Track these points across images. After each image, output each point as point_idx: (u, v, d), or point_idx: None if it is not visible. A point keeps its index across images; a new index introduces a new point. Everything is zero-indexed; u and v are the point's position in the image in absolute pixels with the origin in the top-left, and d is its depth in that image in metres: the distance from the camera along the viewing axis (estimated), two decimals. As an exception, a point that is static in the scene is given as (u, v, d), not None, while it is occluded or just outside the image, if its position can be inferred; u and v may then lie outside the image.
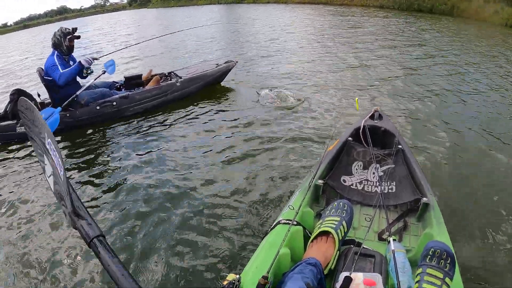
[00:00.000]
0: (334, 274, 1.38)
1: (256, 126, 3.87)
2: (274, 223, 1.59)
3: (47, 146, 0.87)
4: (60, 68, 3.70)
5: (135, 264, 2.03)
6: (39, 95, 4.10)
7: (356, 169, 2.09)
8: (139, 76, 4.70)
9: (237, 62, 5.39)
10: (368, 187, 2.02)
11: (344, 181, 2.05)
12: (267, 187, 2.68)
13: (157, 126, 4.10)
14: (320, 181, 1.92)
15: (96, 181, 3.00)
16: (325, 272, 1.33)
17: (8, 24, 53.16)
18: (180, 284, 1.90)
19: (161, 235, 2.26)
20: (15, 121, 3.82)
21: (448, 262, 1.21)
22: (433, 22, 12.10)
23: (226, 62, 5.29)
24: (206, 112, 4.46)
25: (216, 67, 5.13)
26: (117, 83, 4.70)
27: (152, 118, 4.31)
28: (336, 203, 1.55)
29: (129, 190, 2.79)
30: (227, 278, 1.19)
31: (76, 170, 3.22)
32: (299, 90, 5.07)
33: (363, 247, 1.43)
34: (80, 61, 3.79)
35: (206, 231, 2.27)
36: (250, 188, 2.71)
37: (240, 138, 3.60)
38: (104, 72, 4.11)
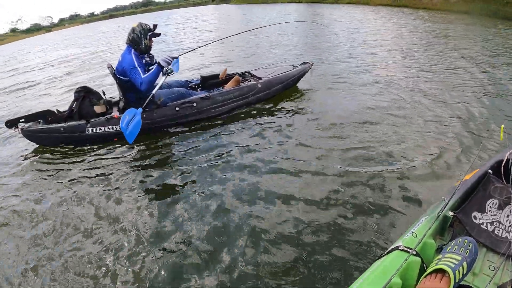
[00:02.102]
0: None
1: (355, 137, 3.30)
2: (391, 247, 1.49)
3: None
4: (141, 72, 3.30)
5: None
6: (104, 93, 3.72)
7: (490, 208, 1.88)
8: (217, 76, 4.27)
9: (312, 64, 4.85)
10: (499, 230, 1.81)
11: (475, 217, 1.87)
12: (386, 207, 2.40)
13: (241, 129, 3.62)
14: (451, 213, 1.80)
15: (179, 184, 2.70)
16: None
17: (95, 13, 55.98)
18: None
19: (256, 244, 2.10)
20: (84, 121, 3.39)
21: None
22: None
23: (302, 64, 4.80)
24: (291, 115, 3.93)
25: (293, 68, 4.62)
26: (191, 82, 4.27)
27: (234, 121, 3.83)
28: (460, 240, 1.44)
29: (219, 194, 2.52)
30: None
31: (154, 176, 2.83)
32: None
33: None
34: (159, 62, 3.37)
35: (314, 242, 2.12)
36: (365, 203, 2.43)
37: (339, 145, 3.08)
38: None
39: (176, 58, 3.44)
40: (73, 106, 3.52)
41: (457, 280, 1.29)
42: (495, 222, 1.84)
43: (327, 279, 1.88)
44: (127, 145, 3.39)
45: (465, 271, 1.33)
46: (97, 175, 2.94)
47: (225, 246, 2.08)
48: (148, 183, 2.77)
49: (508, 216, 1.82)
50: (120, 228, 2.28)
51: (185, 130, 3.65)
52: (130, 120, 3.08)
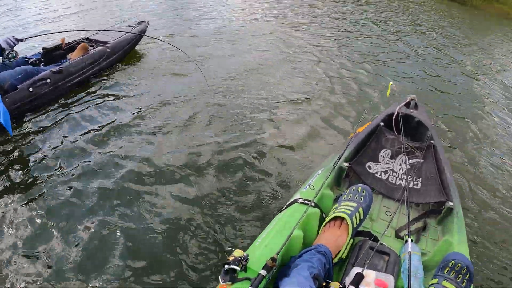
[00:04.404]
0: (344, 264, 1.36)
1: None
2: (291, 201, 1.54)
3: None
4: None
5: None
6: None
7: (383, 157, 1.98)
8: (60, 47, 4.09)
9: (148, 22, 5.16)
10: (392, 178, 1.92)
11: (369, 167, 1.95)
12: (287, 161, 2.59)
13: (102, 99, 3.80)
14: (346, 164, 1.86)
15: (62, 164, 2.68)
16: (335, 260, 1.30)
17: None
18: (184, 257, 1.86)
19: (163, 206, 2.20)
20: None
21: (466, 277, 1.16)
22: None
23: (139, 23, 5.06)
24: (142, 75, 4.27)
25: (132, 28, 4.86)
26: (29, 58, 3.94)
27: (92, 91, 3.95)
28: (354, 187, 1.48)
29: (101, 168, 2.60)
30: (234, 253, 1.15)
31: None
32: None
33: (379, 243, 1.37)
34: None
35: (215, 202, 2.22)
36: (266, 159, 2.62)
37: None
38: None
39: (21, 40, 3.15)
40: None
41: (355, 226, 1.34)
42: (388, 171, 1.92)
43: (230, 239, 1.95)
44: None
45: (361, 217, 1.38)
46: None
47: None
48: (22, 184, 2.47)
49: (400, 164, 1.92)
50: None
51: (41, 115, 3.46)
52: None
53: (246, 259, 1.11)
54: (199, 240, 1.96)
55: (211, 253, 1.88)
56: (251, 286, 1.02)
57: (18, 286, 1.72)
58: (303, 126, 3.16)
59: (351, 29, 6.96)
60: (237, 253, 1.15)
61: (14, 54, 3.26)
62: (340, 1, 9.09)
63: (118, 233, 2.02)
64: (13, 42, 3.09)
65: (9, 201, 2.28)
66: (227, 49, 5.30)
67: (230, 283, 1.07)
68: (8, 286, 1.71)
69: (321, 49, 5.55)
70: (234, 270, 1.09)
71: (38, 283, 1.74)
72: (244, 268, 1.10)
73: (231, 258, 1.12)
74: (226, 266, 1.10)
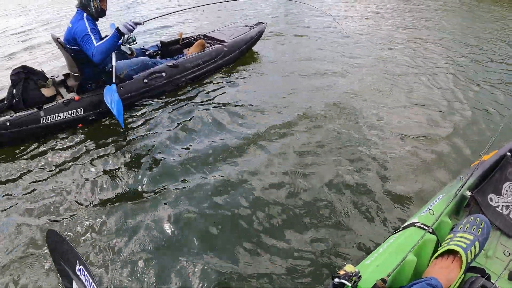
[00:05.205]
0: None
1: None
2: (407, 223, 1.48)
3: (78, 273, 0.99)
4: (94, 40, 2.70)
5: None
6: (43, 73, 3.07)
7: (506, 191, 1.88)
8: (177, 41, 3.84)
9: (266, 24, 4.71)
10: None
11: (491, 200, 1.85)
12: (407, 181, 2.43)
13: (214, 96, 3.44)
14: (468, 193, 1.78)
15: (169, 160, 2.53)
16: None
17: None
18: (293, 268, 1.79)
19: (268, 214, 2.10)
20: (35, 109, 2.76)
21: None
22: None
23: (257, 24, 4.63)
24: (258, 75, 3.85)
25: (250, 29, 4.42)
26: (147, 50, 3.76)
27: (206, 87, 3.59)
28: (472, 218, 1.39)
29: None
30: (345, 268, 1.11)
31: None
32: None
33: (494, 285, 1.28)
34: (117, 28, 2.78)
35: (330, 212, 2.15)
36: (387, 178, 2.44)
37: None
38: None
39: (139, 23, 2.91)
40: (13, 92, 2.81)
41: (469, 261, 1.28)
42: (510, 206, 1.83)
43: (342, 254, 1.90)
44: (94, 130, 2.89)
45: (477, 251, 1.31)
46: (75, 173, 2.44)
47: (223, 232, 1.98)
48: (140, 172, 2.42)
49: None
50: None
51: (155, 104, 3.26)
52: (112, 100, 2.60)
53: (358, 276, 1.07)
54: (307, 248, 1.90)
55: (320, 265, 1.81)
56: None
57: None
58: (425, 145, 2.89)
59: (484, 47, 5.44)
60: (349, 268, 1.10)
61: (134, 38, 3.03)
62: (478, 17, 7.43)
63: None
64: (132, 27, 2.82)
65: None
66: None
67: None
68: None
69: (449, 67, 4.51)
70: (343, 285, 1.05)
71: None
72: (355, 285, 1.04)
73: (341, 272, 1.08)
74: (336, 280, 1.06)
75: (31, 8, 9.54)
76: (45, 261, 1.80)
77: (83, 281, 0.95)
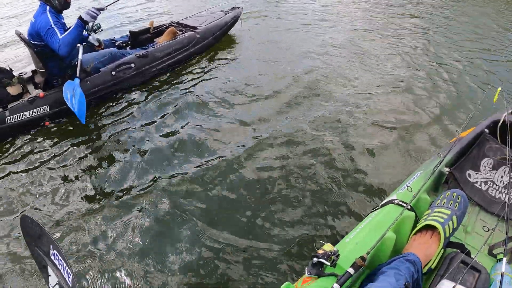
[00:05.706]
0: (432, 275, 1.30)
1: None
2: (386, 200, 1.48)
3: (52, 257, 0.98)
4: (58, 32, 2.60)
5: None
6: (11, 70, 2.95)
7: (485, 167, 1.87)
8: (148, 30, 3.72)
9: (242, 8, 4.58)
10: (492, 191, 1.81)
11: (469, 175, 1.86)
12: (384, 158, 2.46)
13: (189, 84, 3.38)
14: (446, 169, 1.80)
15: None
16: (424, 270, 1.23)
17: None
18: (273, 246, 1.84)
19: (251, 197, 2.14)
20: (0, 109, 2.67)
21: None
22: None
23: (232, 9, 4.49)
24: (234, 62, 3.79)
25: (225, 14, 4.29)
26: (116, 40, 3.64)
27: (179, 77, 3.52)
28: (449, 192, 1.40)
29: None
30: (324, 247, 1.11)
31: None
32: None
33: (474, 260, 1.27)
34: (80, 17, 2.68)
35: (308, 192, 2.16)
36: (363, 154, 2.48)
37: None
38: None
39: (102, 9, 2.80)
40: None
41: (447, 235, 1.29)
42: (489, 182, 1.83)
43: (323, 228, 1.92)
44: (63, 127, 2.82)
45: (455, 225, 1.32)
46: (38, 174, 2.39)
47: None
48: (110, 170, 2.39)
49: (502, 177, 1.81)
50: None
51: (125, 97, 3.19)
52: (72, 95, 2.51)
53: (337, 254, 1.07)
54: (287, 228, 1.94)
55: (299, 244, 1.84)
56: (337, 283, 1.00)
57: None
58: (401, 123, 2.92)
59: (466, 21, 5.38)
60: (327, 247, 1.11)
61: (99, 25, 2.92)
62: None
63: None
64: (95, 13, 2.72)
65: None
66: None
67: (316, 276, 1.07)
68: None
69: (428, 37, 4.62)
70: (322, 264, 1.07)
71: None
72: (334, 264, 1.06)
73: (320, 251, 1.09)
74: (315, 259, 1.08)
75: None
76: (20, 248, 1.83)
77: (57, 265, 0.96)
